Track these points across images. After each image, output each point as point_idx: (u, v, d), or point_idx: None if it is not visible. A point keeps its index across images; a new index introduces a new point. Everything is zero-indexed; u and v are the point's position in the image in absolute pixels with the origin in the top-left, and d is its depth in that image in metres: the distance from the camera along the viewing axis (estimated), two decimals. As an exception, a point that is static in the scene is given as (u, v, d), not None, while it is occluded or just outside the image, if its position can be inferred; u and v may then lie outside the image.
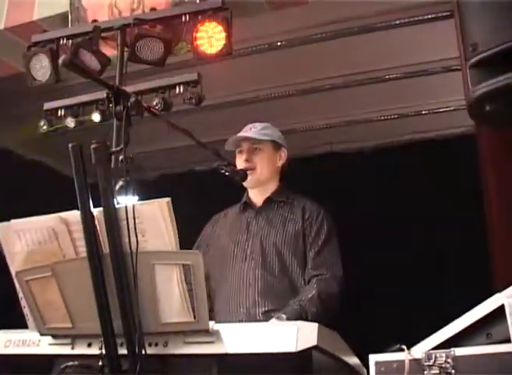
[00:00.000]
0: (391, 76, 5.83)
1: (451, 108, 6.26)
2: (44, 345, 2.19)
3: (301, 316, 2.98)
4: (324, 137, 6.88)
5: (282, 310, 3.04)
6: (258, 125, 3.51)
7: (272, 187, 3.52)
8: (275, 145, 3.51)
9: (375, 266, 5.84)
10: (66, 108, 4.54)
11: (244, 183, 3.44)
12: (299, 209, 3.42)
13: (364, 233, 6.04)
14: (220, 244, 3.45)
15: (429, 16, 5.02)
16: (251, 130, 3.47)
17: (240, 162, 3.44)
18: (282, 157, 3.54)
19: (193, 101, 4.07)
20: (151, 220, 1.90)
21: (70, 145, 1.92)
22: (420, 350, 2.14)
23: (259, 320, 3.08)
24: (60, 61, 1.87)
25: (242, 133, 3.47)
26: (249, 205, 3.53)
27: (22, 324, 2.22)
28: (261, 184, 3.49)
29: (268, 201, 3.49)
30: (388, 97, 6.18)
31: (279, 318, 2.83)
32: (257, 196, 3.53)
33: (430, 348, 2.12)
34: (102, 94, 4.25)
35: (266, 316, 3.09)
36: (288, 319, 2.85)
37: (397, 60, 5.68)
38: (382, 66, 5.78)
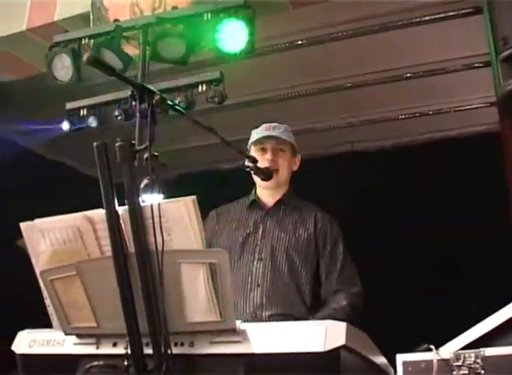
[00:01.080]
0: (411, 75, 5.78)
1: (472, 107, 6.21)
2: (69, 345, 2.16)
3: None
4: (344, 136, 6.84)
5: (316, 315, 3.04)
6: (282, 126, 3.48)
7: (283, 190, 3.49)
8: (293, 149, 3.49)
9: (400, 264, 5.81)
10: (89, 107, 4.53)
11: (265, 183, 3.39)
12: (311, 217, 3.39)
13: (384, 232, 6.01)
14: (226, 240, 3.38)
15: (450, 14, 4.96)
16: (275, 130, 3.43)
17: (263, 160, 3.37)
18: (297, 162, 3.52)
19: (216, 99, 4.04)
20: (176, 219, 1.87)
21: (95, 144, 1.89)
22: (448, 350, 2.10)
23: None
24: (84, 58, 1.84)
25: (267, 132, 3.43)
26: (257, 204, 3.48)
27: (46, 324, 2.19)
28: (279, 186, 3.46)
29: (279, 203, 3.45)
30: (408, 95, 6.15)
31: None
32: (267, 197, 3.48)
33: (459, 348, 2.09)
34: (125, 93, 4.31)
35: (272, 320, 3.06)
36: None
37: (418, 58, 5.64)
38: (402, 64, 5.74)
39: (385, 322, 5.11)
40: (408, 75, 5.78)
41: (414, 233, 6.03)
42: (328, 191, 5.78)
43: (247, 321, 3.05)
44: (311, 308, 3.19)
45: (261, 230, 3.36)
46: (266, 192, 3.49)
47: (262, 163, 3.34)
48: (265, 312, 3.16)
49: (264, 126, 3.50)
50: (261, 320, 3.10)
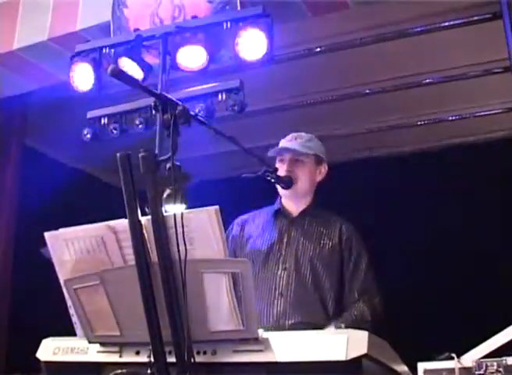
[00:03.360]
0: (431, 81, 5.76)
1: (492, 112, 6.18)
2: (93, 353, 2.18)
3: (358, 325, 2.94)
4: (363, 142, 6.83)
5: (338, 321, 3.02)
6: (304, 136, 3.46)
7: (308, 200, 3.47)
8: (316, 159, 3.46)
9: (420, 272, 5.79)
10: (110, 116, 4.55)
11: (284, 191, 3.40)
12: (336, 228, 3.37)
13: (402, 239, 5.98)
14: (251, 249, 3.39)
15: (469, 19, 4.95)
16: (296, 141, 3.42)
17: (282, 171, 3.38)
18: (322, 172, 3.48)
19: (236, 108, 4.05)
20: (199, 229, 1.88)
21: (118, 155, 1.90)
22: (470, 358, 2.10)
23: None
24: (109, 70, 1.85)
25: (286, 143, 3.43)
26: (282, 213, 3.48)
27: (70, 332, 2.21)
28: (300, 196, 3.45)
29: (304, 213, 3.44)
30: (427, 101, 6.12)
31: (336, 327, 2.78)
32: (292, 206, 3.47)
33: (481, 356, 2.08)
34: (145, 102, 4.34)
35: (294, 329, 3.04)
36: (346, 327, 2.81)
37: (437, 64, 5.62)
38: (421, 70, 5.72)
39: (407, 330, 5.10)
40: (427, 81, 5.77)
41: (431, 241, 6.00)
42: (348, 196, 5.80)
43: (270, 330, 3.06)
44: (333, 317, 3.18)
45: (285, 240, 3.36)
46: (290, 202, 3.48)
47: (281, 173, 3.36)
48: (288, 320, 3.17)
49: (289, 136, 3.49)
50: (283, 329, 3.09)
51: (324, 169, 3.49)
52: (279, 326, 3.13)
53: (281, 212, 3.47)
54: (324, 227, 3.38)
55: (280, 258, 3.31)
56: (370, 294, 3.25)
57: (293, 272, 3.26)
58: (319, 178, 3.49)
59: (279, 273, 3.27)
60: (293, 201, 3.47)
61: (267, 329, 2.84)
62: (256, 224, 3.50)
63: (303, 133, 3.48)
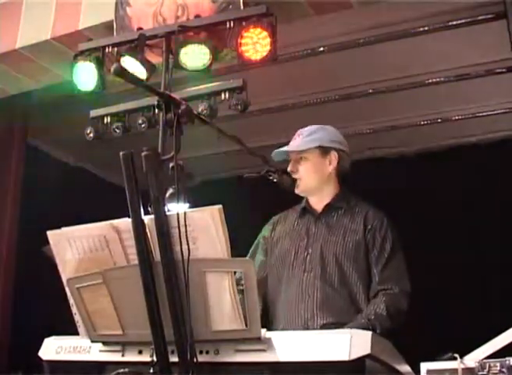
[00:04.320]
0: (433, 81, 5.75)
1: (494, 112, 6.17)
2: (95, 352, 2.18)
3: (373, 326, 2.90)
4: (365, 142, 6.82)
5: (348, 325, 2.92)
6: (306, 130, 3.36)
7: (330, 192, 3.37)
8: (322, 151, 3.36)
9: (423, 272, 5.77)
10: (112, 115, 4.55)
11: (297, 191, 3.36)
12: (361, 217, 3.26)
13: (405, 241, 5.96)
14: (280, 250, 3.34)
15: (472, 19, 4.93)
16: (299, 138, 3.36)
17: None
18: (333, 161, 3.34)
19: (239, 107, 4.04)
20: (202, 228, 1.88)
21: (121, 154, 1.90)
22: (473, 359, 2.09)
23: None
24: (112, 69, 1.85)
25: (286, 147, 3.38)
26: (308, 210, 3.43)
27: (73, 331, 2.21)
28: (310, 193, 3.40)
29: (328, 207, 3.35)
30: (430, 101, 6.11)
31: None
32: (316, 202, 3.40)
33: (484, 357, 2.08)
34: (148, 101, 4.34)
35: (324, 330, 2.95)
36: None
37: (440, 64, 5.61)
38: (424, 70, 5.71)
39: (410, 330, 5.09)
40: (430, 81, 5.76)
41: (436, 240, 6.00)
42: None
43: None
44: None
45: (311, 237, 3.28)
46: (313, 198, 3.43)
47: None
48: (317, 321, 3.10)
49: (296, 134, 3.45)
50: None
51: (334, 156, 3.33)
52: (308, 328, 3.07)
53: (307, 210, 3.43)
54: (349, 219, 3.27)
55: (307, 258, 3.23)
56: (390, 285, 3.12)
57: (319, 271, 3.18)
58: (331, 168, 3.34)
59: (305, 274, 3.20)
60: (316, 197, 3.39)
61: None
62: (286, 224, 3.45)
63: (306, 127, 3.38)
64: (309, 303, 3.14)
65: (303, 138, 3.34)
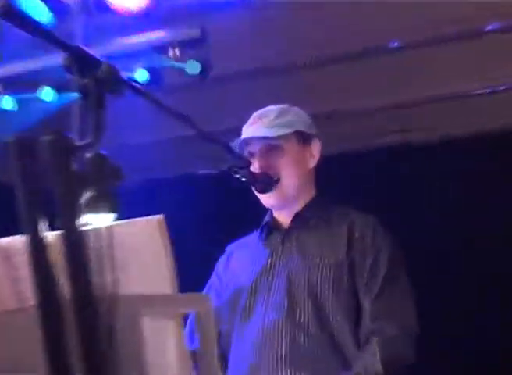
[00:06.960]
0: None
1: None
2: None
3: None
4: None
5: None
6: (272, 111, 3.40)
7: (302, 198, 3.45)
8: (300, 138, 3.41)
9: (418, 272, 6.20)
10: (1, 81, 4.52)
11: (264, 198, 3.36)
12: (343, 229, 3.34)
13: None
14: (235, 287, 3.40)
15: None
16: (262, 121, 3.34)
17: (255, 170, 3.32)
18: (314, 152, 3.44)
19: (196, 70, 4.04)
20: (136, 249, 1.88)
21: (10, 140, 1.88)
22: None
23: None
24: (-4, 9, 1.83)
25: (248, 130, 3.36)
26: (274, 226, 3.45)
27: None
28: (289, 200, 3.41)
29: (298, 218, 3.42)
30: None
31: None
32: (282, 213, 3.44)
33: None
34: (54, 59, 4.30)
35: None
36: None
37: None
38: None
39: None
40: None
41: (457, 236, 6.73)
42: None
43: None
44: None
45: (277, 265, 3.34)
46: (280, 209, 3.43)
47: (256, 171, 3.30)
48: None
49: (251, 118, 3.43)
50: None
51: (316, 146, 3.43)
52: None
53: (271, 226, 3.44)
54: (327, 232, 3.35)
55: (270, 292, 3.31)
56: (386, 324, 3.17)
57: (285, 308, 3.23)
58: (313, 162, 3.44)
59: (266, 315, 3.26)
60: (283, 207, 3.43)
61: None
62: (246, 251, 3.52)
63: (270, 107, 3.41)
64: (275, 353, 3.15)
65: (271, 121, 3.31)
